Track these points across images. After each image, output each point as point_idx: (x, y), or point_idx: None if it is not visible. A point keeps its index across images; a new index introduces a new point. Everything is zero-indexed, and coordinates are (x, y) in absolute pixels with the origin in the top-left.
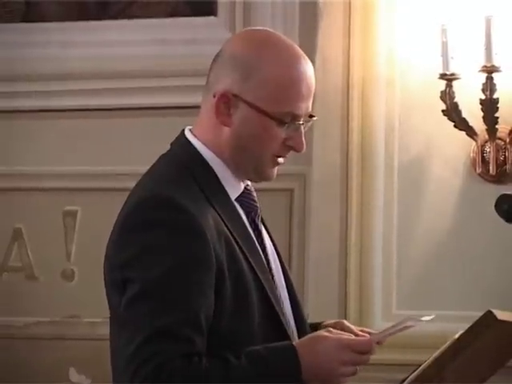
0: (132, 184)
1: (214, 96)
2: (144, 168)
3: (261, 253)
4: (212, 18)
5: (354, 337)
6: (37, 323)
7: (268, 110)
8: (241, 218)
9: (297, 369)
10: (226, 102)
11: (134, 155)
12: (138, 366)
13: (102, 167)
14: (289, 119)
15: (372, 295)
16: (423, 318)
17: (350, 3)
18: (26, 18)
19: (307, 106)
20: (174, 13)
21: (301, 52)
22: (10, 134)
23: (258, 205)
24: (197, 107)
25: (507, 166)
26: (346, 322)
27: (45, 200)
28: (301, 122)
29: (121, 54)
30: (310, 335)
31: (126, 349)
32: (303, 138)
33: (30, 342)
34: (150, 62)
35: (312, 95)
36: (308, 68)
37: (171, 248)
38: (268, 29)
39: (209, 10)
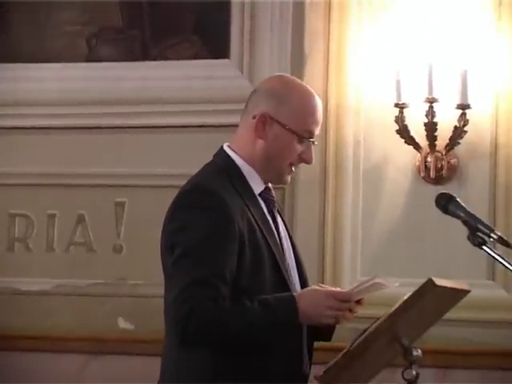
0: (169, 183)
1: (254, 117)
2: (170, 170)
3: (275, 233)
4: (226, 60)
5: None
6: (95, 284)
7: (294, 128)
8: (261, 207)
9: (295, 313)
10: (263, 122)
11: (165, 159)
12: (177, 308)
13: (143, 170)
14: (306, 137)
15: (342, 265)
16: (391, 283)
17: (328, 52)
18: (90, 58)
19: (318, 128)
20: (196, 56)
21: (313, 91)
22: (82, 146)
23: (275, 199)
24: (211, 126)
25: (443, 172)
26: (323, 285)
27: (101, 193)
28: (313, 141)
29: (158, 86)
30: (305, 289)
31: (170, 295)
32: (313, 153)
33: (90, 299)
34: (178, 92)
35: (320, 122)
36: (320, 103)
37: (206, 222)
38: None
39: (223, 54)
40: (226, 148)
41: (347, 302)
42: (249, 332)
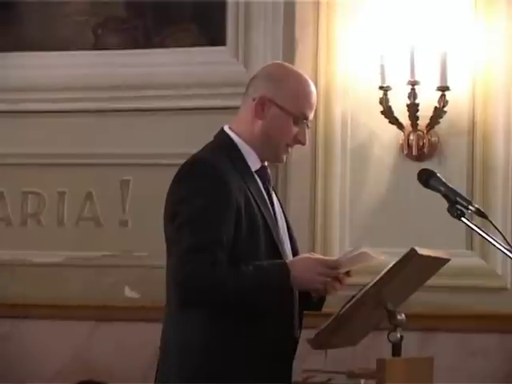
0: (170, 161)
1: (254, 100)
2: (171, 150)
3: (270, 208)
4: (222, 47)
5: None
6: (102, 256)
7: (290, 110)
8: (257, 182)
9: (287, 278)
10: (262, 104)
11: (167, 140)
12: (178, 272)
13: (147, 150)
14: (301, 119)
15: (331, 237)
16: (378, 255)
17: (317, 39)
18: (96, 47)
19: (312, 112)
20: (195, 43)
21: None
22: (90, 128)
23: (270, 177)
24: (210, 108)
25: (425, 149)
26: (314, 253)
27: (108, 172)
28: (307, 123)
29: (160, 72)
30: (297, 256)
31: (172, 260)
32: (307, 135)
33: (98, 270)
34: (178, 77)
35: (315, 107)
36: (314, 89)
37: (205, 193)
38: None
39: (220, 41)
40: (225, 129)
41: (336, 269)
42: (243, 294)
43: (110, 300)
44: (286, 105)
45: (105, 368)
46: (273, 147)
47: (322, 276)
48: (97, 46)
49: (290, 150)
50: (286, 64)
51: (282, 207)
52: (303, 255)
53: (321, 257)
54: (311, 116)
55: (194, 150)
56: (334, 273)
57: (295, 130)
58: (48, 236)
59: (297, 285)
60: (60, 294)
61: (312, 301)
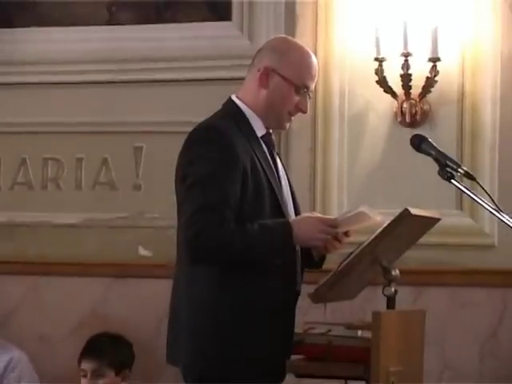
0: (180, 129)
1: (259, 70)
2: (181, 118)
3: (274, 171)
4: (229, 22)
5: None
6: (117, 218)
7: (292, 80)
8: (263, 147)
9: (290, 235)
10: (266, 74)
11: (177, 109)
12: (188, 230)
13: (158, 118)
14: (303, 89)
15: (330, 199)
16: (375, 215)
17: (316, 14)
18: (110, 22)
19: (313, 83)
20: (203, 19)
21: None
22: (106, 98)
23: (274, 143)
24: (217, 79)
25: (417, 117)
26: (314, 213)
27: (122, 139)
28: (308, 93)
29: (171, 45)
30: (299, 215)
31: (182, 219)
32: (308, 104)
33: (114, 230)
34: (188, 50)
35: (316, 78)
36: (315, 62)
37: (214, 156)
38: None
39: (226, 16)
40: (233, 97)
41: (334, 227)
42: (250, 252)
43: (124, 258)
44: (289, 75)
45: (120, 321)
46: (276, 115)
47: (321, 233)
48: (111, 21)
49: (292, 118)
50: (290, 38)
51: (285, 171)
52: (304, 214)
53: (320, 215)
54: (312, 86)
55: (202, 118)
56: (333, 231)
57: (297, 98)
58: (67, 199)
59: (298, 242)
60: (78, 253)
61: (313, 259)
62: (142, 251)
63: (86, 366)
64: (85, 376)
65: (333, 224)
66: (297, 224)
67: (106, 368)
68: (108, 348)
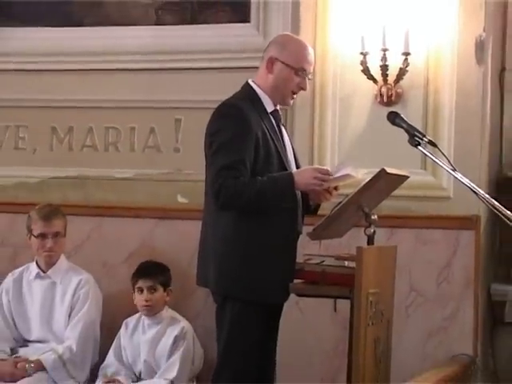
0: (210, 106)
1: (266, 60)
2: (211, 97)
3: (280, 139)
4: (248, 24)
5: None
6: (161, 173)
7: (292, 65)
8: (271, 120)
9: (291, 182)
10: (271, 62)
11: (207, 90)
12: (213, 185)
13: (193, 97)
14: (301, 72)
15: (325, 157)
16: (358, 175)
17: (316, 17)
18: (157, 23)
19: (310, 66)
20: (229, 21)
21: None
22: (155, 82)
23: (281, 117)
24: (237, 68)
25: (392, 98)
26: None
27: (166, 113)
28: (307, 75)
29: (203, 41)
30: (299, 168)
31: (209, 176)
32: (307, 83)
33: (159, 183)
34: (216, 45)
35: (313, 63)
36: (311, 51)
37: (232, 127)
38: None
39: (246, 19)
40: (249, 81)
41: (326, 174)
42: (260, 196)
43: (167, 204)
44: (288, 61)
45: (162, 253)
46: (281, 94)
47: (316, 179)
48: (157, 22)
49: (294, 96)
50: (291, 34)
51: (290, 139)
52: (304, 167)
53: (315, 166)
54: (310, 69)
55: (225, 97)
56: (326, 177)
57: (297, 79)
58: (123, 158)
59: (299, 186)
60: (131, 199)
61: (311, 207)
62: (180, 199)
63: (143, 283)
64: (141, 292)
65: (325, 171)
66: (297, 173)
67: (158, 285)
68: (157, 270)
